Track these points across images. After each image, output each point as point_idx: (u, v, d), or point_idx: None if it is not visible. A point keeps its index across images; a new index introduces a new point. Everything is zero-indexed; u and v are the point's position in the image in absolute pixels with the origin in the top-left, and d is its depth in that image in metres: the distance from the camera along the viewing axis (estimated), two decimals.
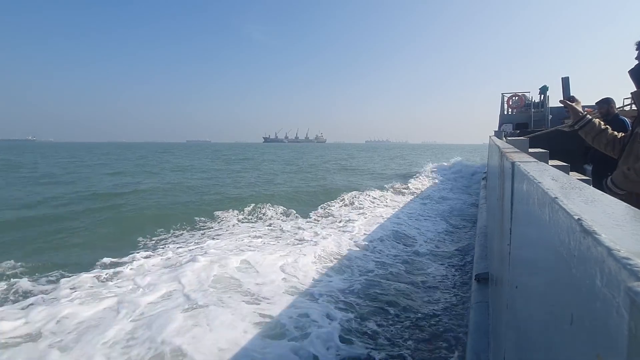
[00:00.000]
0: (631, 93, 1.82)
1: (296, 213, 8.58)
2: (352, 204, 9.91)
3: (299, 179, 16.54)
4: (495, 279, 2.25)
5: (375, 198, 10.70)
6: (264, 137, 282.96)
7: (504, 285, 1.57)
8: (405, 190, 12.65)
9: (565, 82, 2.72)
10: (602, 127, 1.81)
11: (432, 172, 18.40)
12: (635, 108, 2.19)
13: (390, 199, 10.78)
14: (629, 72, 1.64)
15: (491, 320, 2.32)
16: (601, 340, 0.39)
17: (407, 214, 8.47)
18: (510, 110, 15.71)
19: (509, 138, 6.29)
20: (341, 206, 9.60)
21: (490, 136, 8.71)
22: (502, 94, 15.74)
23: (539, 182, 0.83)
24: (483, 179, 10.50)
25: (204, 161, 30.96)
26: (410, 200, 10.81)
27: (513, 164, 1.39)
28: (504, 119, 15.14)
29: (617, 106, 4.30)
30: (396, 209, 9.11)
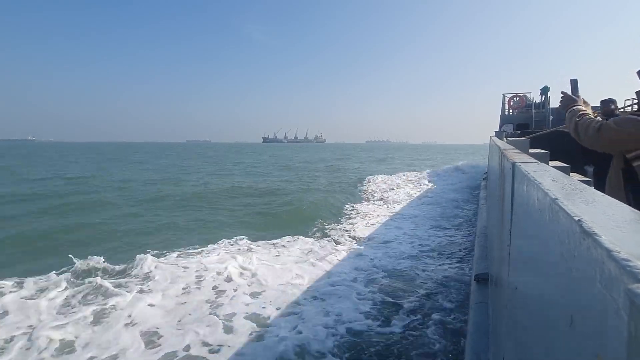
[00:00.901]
0: (636, 92, 1.83)
1: None
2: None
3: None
4: (495, 280, 2.25)
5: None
6: (263, 138, 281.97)
7: (503, 286, 1.57)
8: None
9: (574, 84, 2.71)
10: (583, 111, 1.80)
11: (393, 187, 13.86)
12: (637, 109, 2.19)
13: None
14: (638, 72, 1.64)
15: (491, 321, 2.32)
16: (601, 341, 0.39)
17: None
18: (511, 110, 15.71)
19: (509, 138, 6.29)
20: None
21: (490, 136, 8.71)
22: (503, 94, 15.74)
23: (540, 183, 0.83)
24: (483, 179, 10.50)
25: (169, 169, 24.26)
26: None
27: (513, 164, 1.39)
28: (504, 120, 15.14)
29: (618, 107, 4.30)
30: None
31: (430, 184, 14.68)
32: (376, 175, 17.39)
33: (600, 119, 1.92)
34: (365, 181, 15.59)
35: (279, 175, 19.78)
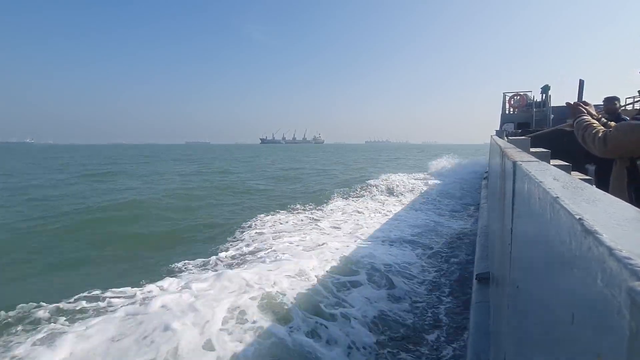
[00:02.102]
0: (639, 90, 1.88)
1: None
2: None
3: None
4: (496, 279, 2.25)
5: None
6: (260, 138, 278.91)
7: (505, 285, 1.57)
8: None
9: (581, 85, 2.82)
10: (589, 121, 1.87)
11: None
12: (638, 107, 2.23)
13: None
14: None
15: (492, 320, 2.32)
16: (602, 340, 0.39)
17: None
18: (511, 109, 15.69)
19: (510, 137, 6.28)
20: None
21: (491, 136, 8.70)
22: (503, 93, 15.72)
23: (541, 182, 0.83)
24: (484, 178, 10.49)
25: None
26: None
27: (514, 163, 1.39)
28: (505, 119, 15.12)
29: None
30: None
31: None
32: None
33: (605, 119, 1.97)
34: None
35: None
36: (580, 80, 2.32)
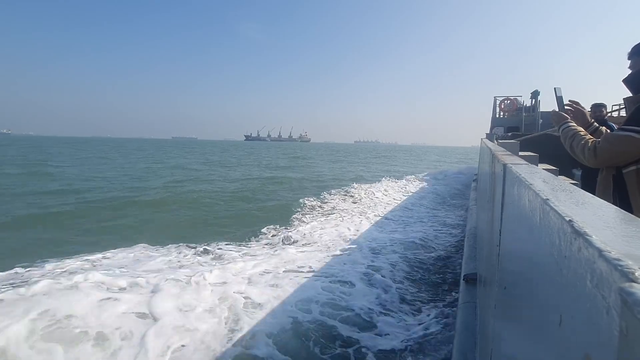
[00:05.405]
0: (623, 98, 1.90)
1: None
2: None
3: None
4: (484, 280, 2.28)
5: None
6: (245, 135, 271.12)
7: (492, 285, 1.58)
8: None
9: (557, 92, 2.92)
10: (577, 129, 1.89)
11: None
12: (624, 115, 2.28)
13: None
14: (623, 81, 1.73)
15: (479, 321, 2.35)
16: (590, 341, 0.39)
17: None
18: (502, 113, 15.93)
19: (500, 141, 6.37)
20: None
21: (481, 139, 8.81)
22: (494, 97, 15.95)
23: (531, 184, 0.84)
24: (474, 180, 10.62)
25: None
26: None
27: (504, 165, 1.40)
28: (495, 122, 15.35)
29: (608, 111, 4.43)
30: None
31: None
32: None
33: (597, 124, 2.00)
34: None
35: None
36: (554, 88, 2.35)
